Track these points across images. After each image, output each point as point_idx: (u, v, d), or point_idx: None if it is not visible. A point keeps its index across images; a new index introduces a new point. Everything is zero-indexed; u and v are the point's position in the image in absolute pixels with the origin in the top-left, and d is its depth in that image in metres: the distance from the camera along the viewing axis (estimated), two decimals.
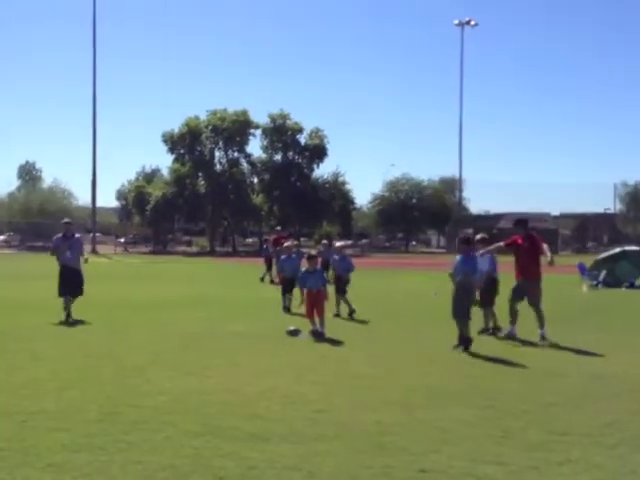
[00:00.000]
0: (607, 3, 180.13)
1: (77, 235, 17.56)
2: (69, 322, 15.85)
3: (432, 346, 13.05)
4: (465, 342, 12.22)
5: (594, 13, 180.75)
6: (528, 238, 14.32)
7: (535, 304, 13.98)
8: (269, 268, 30.08)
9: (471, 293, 12.76)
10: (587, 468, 6.28)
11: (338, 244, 21.19)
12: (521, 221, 14.89)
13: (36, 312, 17.68)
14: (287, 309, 18.23)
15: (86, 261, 17.54)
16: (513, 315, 14.24)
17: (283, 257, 19.40)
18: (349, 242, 21.15)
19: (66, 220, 18.24)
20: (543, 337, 13.61)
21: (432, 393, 9.07)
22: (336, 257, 19.32)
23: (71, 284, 16.65)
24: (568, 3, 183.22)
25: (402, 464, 6.32)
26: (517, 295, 14.25)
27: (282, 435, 7.11)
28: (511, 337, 13.95)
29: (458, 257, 12.90)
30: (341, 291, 18.19)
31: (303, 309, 14.65)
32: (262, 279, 29.98)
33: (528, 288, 14.09)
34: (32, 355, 11.49)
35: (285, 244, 20.45)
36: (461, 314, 12.40)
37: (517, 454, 6.65)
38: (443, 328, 15.44)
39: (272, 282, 28.73)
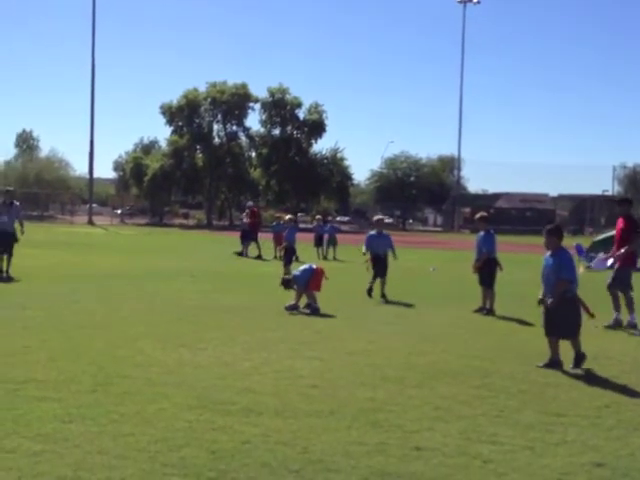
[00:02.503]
0: None
1: (16, 203, 19.54)
2: (2, 278, 17.92)
3: (430, 324, 13.00)
4: (579, 359, 9.44)
5: None
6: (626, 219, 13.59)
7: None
8: (249, 240, 30.32)
9: (575, 305, 9.52)
10: (583, 450, 6.21)
11: (376, 218, 19.07)
12: (625, 200, 14.44)
13: (30, 280, 17.59)
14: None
15: (22, 232, 19.18)
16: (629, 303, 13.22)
17: (289, 229, 19.88)
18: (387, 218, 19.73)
19: (7, 188, 20.50)
20: (632, 325, 12.96)
21: (428, 371, 9.01)
22: (373, 233, 17.57)
23: (3, 244, 18.45)
24: None
25: (396, 441, 6.25)
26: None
27: (276, 410, 7.04)
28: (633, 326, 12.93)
29: (545, 256, 9.78)
30: (381, 273, 16.81)
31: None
32: (259, 255, 29.92)
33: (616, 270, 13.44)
34: (23, 324, 11.39)
35: (287, 217, 20.83)
36: (569, 333, 9.49)
37: (512, 434, 6.58)
38: (441, 306, 15.42)
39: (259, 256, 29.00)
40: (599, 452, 6.16)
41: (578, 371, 9.22)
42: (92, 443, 5.91)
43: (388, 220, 19.44)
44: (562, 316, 9.37)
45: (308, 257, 25.09)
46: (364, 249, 17.31)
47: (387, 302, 15.88)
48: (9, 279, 17.82)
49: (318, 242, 31.16)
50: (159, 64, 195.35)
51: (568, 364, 9.35)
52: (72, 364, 8.65)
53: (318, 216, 38.02)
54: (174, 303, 14.42)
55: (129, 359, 9.06)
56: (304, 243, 20.44)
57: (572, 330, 9.43)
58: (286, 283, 14.53)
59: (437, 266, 26.16)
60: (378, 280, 16.70)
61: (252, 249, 29.84)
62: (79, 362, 8.77)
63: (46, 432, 6.13)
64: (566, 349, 9.45)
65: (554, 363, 9.36)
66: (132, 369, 8.51)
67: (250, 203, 35.76)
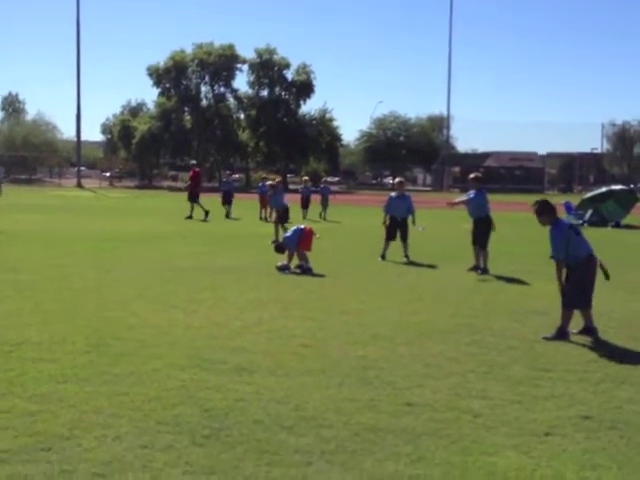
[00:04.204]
0: None
1: None
2: None
3: (421, 283, 13.09)
4: (588, 331, 9.02)
5: None
6: None
7: None
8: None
9: (582, 275, 9.02)
10: (571, 403, 6.32)
11: (397, 180, 18.51)
12: None
13: (21, 244, 17.59)
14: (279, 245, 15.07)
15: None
16: None
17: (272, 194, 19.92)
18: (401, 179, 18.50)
19: None
20: None
21: (419, 329, 9.10)
22: (393, 195, 17.21)
23: None
24: None
25: (387, 398, 6.35)
26: None
27: (268, 368, 7.12)
28: None
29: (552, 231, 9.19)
30: (402, 237, 16.66)
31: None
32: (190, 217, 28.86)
33: None
34: (16, 287, 11.43)
35: (268, 183, 20.90)
36: (577, 303, 9.02)
37: (501, 389, 6.69)
38: (432, 266, 15.52)
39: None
40: (586, 405, 6.27)
41: (585, 340, 8.78)
42: (87, 403, 5.98)
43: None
44: (570, 287, 8.95)
45: (295, 219, 25.13)
46: (384, 215, 17.01)
47: (410, 262, 15.98)
48: None
49: (305, 204, 31.20)
50: (145, 25, 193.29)
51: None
52: (66, 326, 8.70)
53: (305, 177, 38.22)
54: (165, 265, 14.46)
55: (122, 321, 9.12)
56: (290, 204, 20.41)
57: (584, 301, 8.97)
58: (279, 248, 14.60)
59: (426, 225, 26.23)
60: (391, 243, 16.61)
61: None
62: (73, 324, 8.82)
63: (41, 392, 6.19)
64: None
65: (562, 334, 8.83)
66: (125, 331, 8.57)
67: (192, 162, 35.04)
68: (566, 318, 8.93)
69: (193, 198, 29.60)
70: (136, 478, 4.62)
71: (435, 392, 6.55)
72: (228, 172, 40.50)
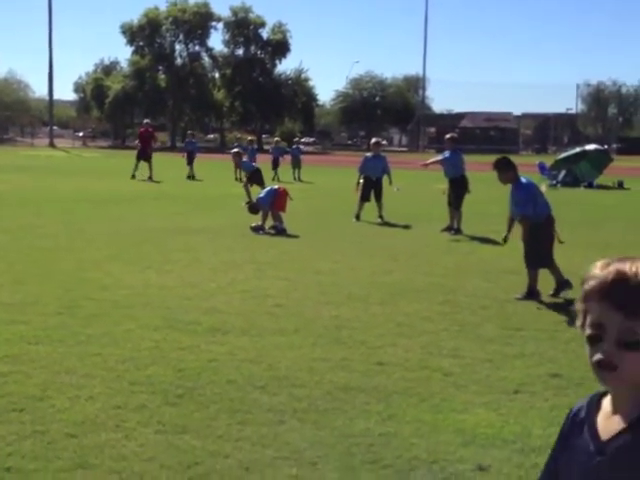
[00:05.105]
0: None
1: None
2: None
3: (395, 244, 13.14)
4: (561, 286, 8.96)
5: None
6: None
7: None
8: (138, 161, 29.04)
9: (543, 233, 9.05)
10: (541, 362, 6.41)
11: (373, 140, 18.51)
12: None
13: None
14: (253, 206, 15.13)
15: None
16: None
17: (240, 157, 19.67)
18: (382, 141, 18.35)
19: None
20: None
21: (392, 289, 9.15)
22: (368, 155, 17.42)
23: None
24: None
25: (359, 357, 6.40)
26: None
27: (242, 329, 7.15)
28: None
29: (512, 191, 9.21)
30: (376, 197, 16.70)
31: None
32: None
33: None
34: None
35: (249, 139, 20.61)
36: (538, 262, 9.05)
37: (472, 348, 6.76)
38: (406, 226, 15.57)
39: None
40: (556, 363, 6.36)
41: (558, 299, 8.86)
42: (59, 364, 5.98)
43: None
44: (534, 246, 8.93)
45: (267, 181, 25.11)
46: (358, 176, 16.97)
47: (384, 223, 15.99)
48: None
49: (275, 165, 31.07)
50: None
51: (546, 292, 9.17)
52: (38, 287, 8.66)
53: (277, 138, 38.09)
54: (139, 226, 14.39)
55: (95, 282, 9.09)
56: (261, 164, 20.33)
57: (545, 259, 9.01)
58: (253, 208, 14.57)
59: (401, 186, 26.24)
60: (366, 204, 16.59)
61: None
62: (45, 285, 8.78)
63: (13, 354, 6.18)
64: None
65: (532, 293, 8.87)
66: (99, 291, 8.54)
67: (146, 121, 33.56)
68: (533, 277, 8.99)
69: (144, 157, 28.66)
70: (109, 438, 4.64)
71: (407, 351, 6.60)
72: (190, 132, 39.33)
